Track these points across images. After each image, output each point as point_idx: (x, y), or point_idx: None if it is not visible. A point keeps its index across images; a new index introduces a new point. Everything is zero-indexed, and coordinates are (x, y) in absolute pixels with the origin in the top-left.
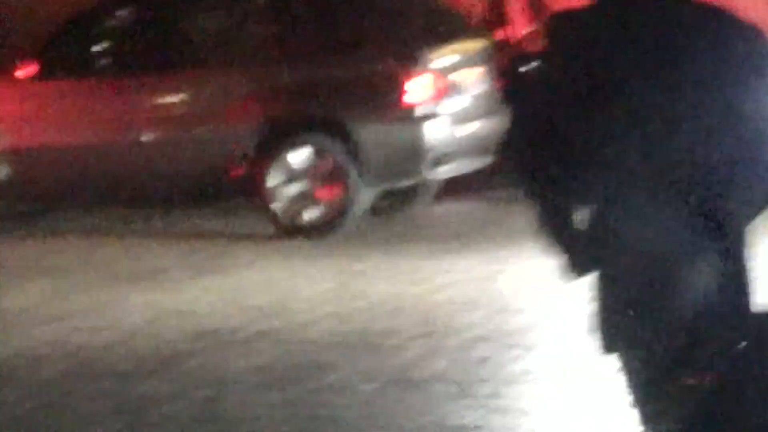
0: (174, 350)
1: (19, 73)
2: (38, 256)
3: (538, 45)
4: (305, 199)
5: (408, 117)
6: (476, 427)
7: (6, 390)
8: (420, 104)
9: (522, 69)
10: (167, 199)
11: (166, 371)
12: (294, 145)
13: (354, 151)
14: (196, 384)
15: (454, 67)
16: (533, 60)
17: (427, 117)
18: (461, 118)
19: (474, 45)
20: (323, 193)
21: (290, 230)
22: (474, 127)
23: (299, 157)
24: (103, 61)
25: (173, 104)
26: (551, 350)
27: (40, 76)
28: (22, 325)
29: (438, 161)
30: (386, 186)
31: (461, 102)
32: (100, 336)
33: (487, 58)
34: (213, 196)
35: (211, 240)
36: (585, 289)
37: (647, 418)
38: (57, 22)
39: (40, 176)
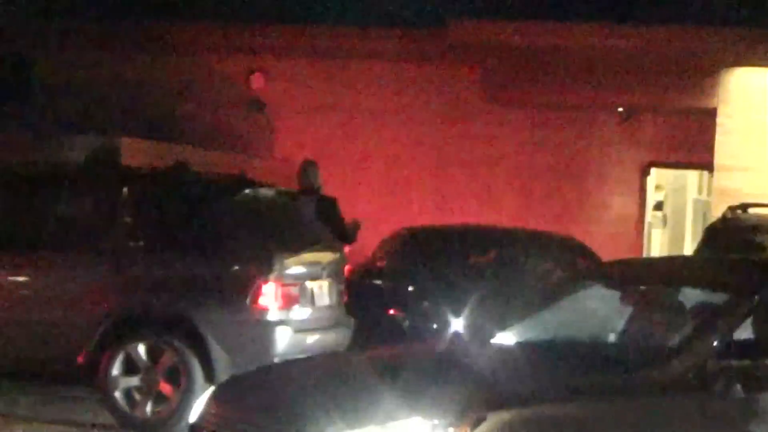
0: None
1: None
2: None
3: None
4: (146, 392)
5: (256, 321)
6: None
7: None
8: (269, 310)
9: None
10: (12, 378)
11: None
12: (140, 337)
13: (200, 349)
14: None
15: (306, 277)
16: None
17: (274, 323)
18: (308, 327)
19: (326, 256)
20: (165, 388)
21: (130, 422)
22: (318, 338)
23: (144, 349)
24: None
25: (26, 284)
26: None
27: None
28: None
29: None
30: None
31: (309, 312)
32: None
33: (338, 270)
34: (57, 381)
35: (53, 425)
36: None
37: None
38: None
39: None
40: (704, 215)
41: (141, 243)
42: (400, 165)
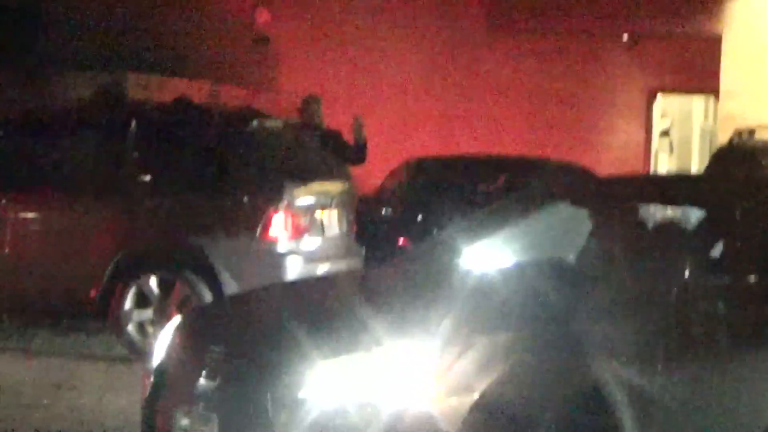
0: None
1: None
2: None
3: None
4: (159, 324)
5: (267, 251)
6: None
7: None
8: (279, 240)
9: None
10: (27, 314)
11: None
12: (152, 270)
13: (211, 281)
14: None
15: (315, 207)
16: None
17: (285, 253)
18: (317, 257)
19: (335, 186)
20: None
21: (143, 355)
22: (329, 267)
23: (155, 282)
24: None
25: (36, 221)
26: None
27: None
28: None
29: None
30: None
31: (319, 241)
32: None
33: (347, 200)
34: (70, 315)
35: (67, 359)
36: None
37: None
38: None
39: None
40: (710, 142)
41: (150, 177)
42: (407, 97)
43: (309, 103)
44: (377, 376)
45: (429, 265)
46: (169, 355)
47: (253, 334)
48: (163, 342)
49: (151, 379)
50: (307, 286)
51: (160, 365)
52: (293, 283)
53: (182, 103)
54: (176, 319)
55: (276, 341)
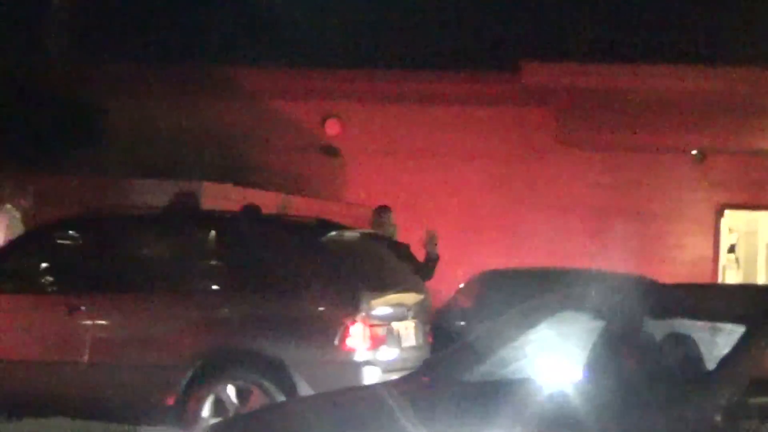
0: None
1: None
2: None
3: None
4: None
5: (344, 362)
6: None
7: None
8: (357, 351)
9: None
10: (105, 417)
11: None
12: (230, 378)
13: (289, 390)
14: None
15: (392, 318)
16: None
17: (362, 364)
18: (395, 368)
19: (411, 297)
20: None
21: None
22: None
23: (234, 390)
24: (49, 279)
25: (115, 327)
26: None
27: None
28: None
29: None
30: None
31: (395, 352)
32: None
33: (423, 311)
34: (147, 422)
35: None
36: None
37: None
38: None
39: None
40: None
41: (229, 285)
42: (474, 208)
43: (381, 213)
44: None
45: (446, 377)
46: None
47: None
48: None
49: None
50: (344, 398)
51: None
52: (332, 395)
53: (251, 210)
54: None
55: None
